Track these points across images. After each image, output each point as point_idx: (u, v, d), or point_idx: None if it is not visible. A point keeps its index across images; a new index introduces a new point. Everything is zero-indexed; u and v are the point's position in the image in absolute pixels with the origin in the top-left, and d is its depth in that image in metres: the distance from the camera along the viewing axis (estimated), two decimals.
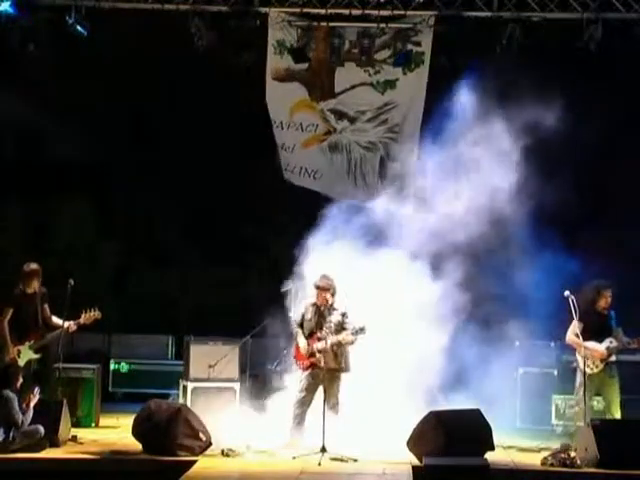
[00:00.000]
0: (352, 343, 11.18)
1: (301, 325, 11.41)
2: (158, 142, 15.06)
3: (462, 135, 12.64)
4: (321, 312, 11.31)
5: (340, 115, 14.61)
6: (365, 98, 14.54)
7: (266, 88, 14.36)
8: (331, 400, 11.04)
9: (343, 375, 11.21)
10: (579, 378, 11.31)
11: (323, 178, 14.70)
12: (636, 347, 11.34)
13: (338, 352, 11.14)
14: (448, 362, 12.75)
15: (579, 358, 11.32)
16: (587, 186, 13.38)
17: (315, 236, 12.33)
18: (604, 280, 11.49)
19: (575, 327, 11.31)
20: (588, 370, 11.19)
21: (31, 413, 10.68)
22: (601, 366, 11.21)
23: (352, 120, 14.60)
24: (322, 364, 11.00)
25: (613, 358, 11.23)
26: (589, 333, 11.25)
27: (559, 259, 12.33)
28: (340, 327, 11.17)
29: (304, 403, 11.26)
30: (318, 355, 11.12)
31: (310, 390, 11.25)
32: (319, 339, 11.18)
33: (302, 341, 11.30)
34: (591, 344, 11.25)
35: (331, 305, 11.30)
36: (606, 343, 11.25)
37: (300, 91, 14.56)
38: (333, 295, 11.32)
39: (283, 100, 14.54)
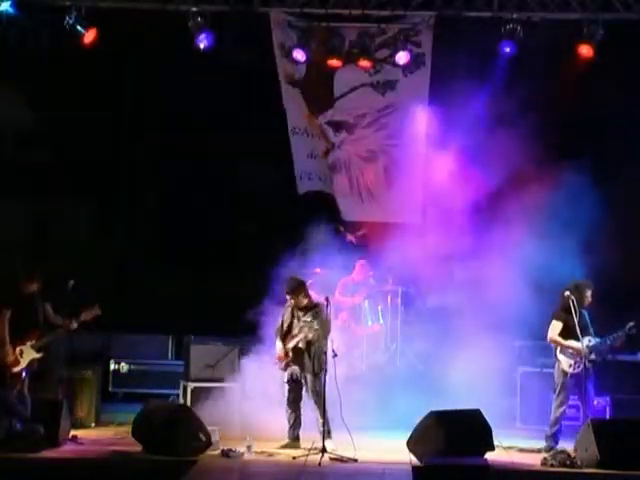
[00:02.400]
0: (315, 342, 11.19)
1: (281, 327, 11.53)
2: (158, 142, 15.05)
3: None
4: (295, 312, 11.44)
5: (338, 126, 14.58)
6: (365, 100, 14.52)
7: (282, 92, 14.33)
8: (312, 402, 11.16)
9: (322, 375, 11.12)
10: (560, 379, 11.31)
11: None
12: (612, 344, 11.32)
13: (310, 352, 11.19)
14: (448, 362, 12.83)
15: (561, 358, 11.31)
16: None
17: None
18: (585, 279, 11.48)
19: (556, 326, 11.31)
20: (571, 370, 11.22)
21: (28, 399, 10.71)
22: (582, 366, 11.19)
23: (351, 128, 14.57)
24: (291, 364, 11.24)
25: (592, 356, 11.22)
26: (568, 332, 11.25)
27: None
28: (311, 327, 11.24)
29: (293, 403, 11.38)
30: (291, 355, 11.28)
31: (294, 390, 11.39)
32: (291, 339, 11.30)
33: (278, 343, 11.46)
34: (572, 343, 11.25)
35: (305, 306, 11.39)
36: (585, 341, 11.22)
37: (303, 104, 14.57)
38: (305, 297, 11.41)
39: (301, 105, 14.52)
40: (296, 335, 11.31)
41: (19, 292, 11.42)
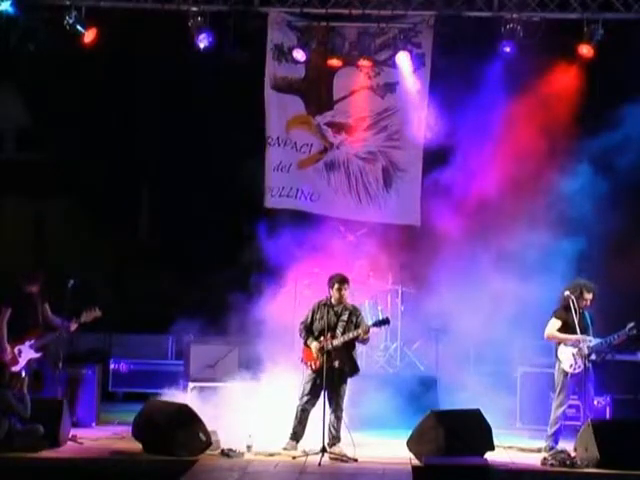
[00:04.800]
0: (368, 339, 11.04)
1: (310, 325, 11.21)
2: (157, 142, 15.05)
3: None
4: (334, 311, 11.11)
5: (337, 127, 14.53)
6: (365, 103, 14.48)
7: (264, 97, 14.28)
8: (333, 404, 10.90)
9: (349, 379, 11.04)
10: (560, 378, 11.30)
11: (321, 199, 14.59)
12: (612, 345, 11.31)
13: (347, 352, 10.95)
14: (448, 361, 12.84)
15: (562, 358, 11.29)
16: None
17: None
18: (588, 280, 11.45)
19: (554, 323, 11.30)
20: (571, 370, 11.21)
21: (28, 399, 10.72)
22: (582, 366, 11.17)
23: (350, 130, 14.52)
24: (336, 364, 10.89)
25: (593, 357, 11.21)
26: (568, 331, 11.24)
27: None
28: (354, 324, 11.02)
29: (308, 405, 11.12)
30: (333, 355, 10.94)
31: (314, 393, 11.06)
32: (333, 337, 10.97)
33: (313, 341, 11.06)
34: (570, 335, 11.22)
35: (343, 304, 11.13)
36: (585, 342, 11.22)
37: (297, 105, 14.49)
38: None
39: (280, 112, 14.43)
40: (339, 334, 10.93)
41: (19, 292, 11.45)
